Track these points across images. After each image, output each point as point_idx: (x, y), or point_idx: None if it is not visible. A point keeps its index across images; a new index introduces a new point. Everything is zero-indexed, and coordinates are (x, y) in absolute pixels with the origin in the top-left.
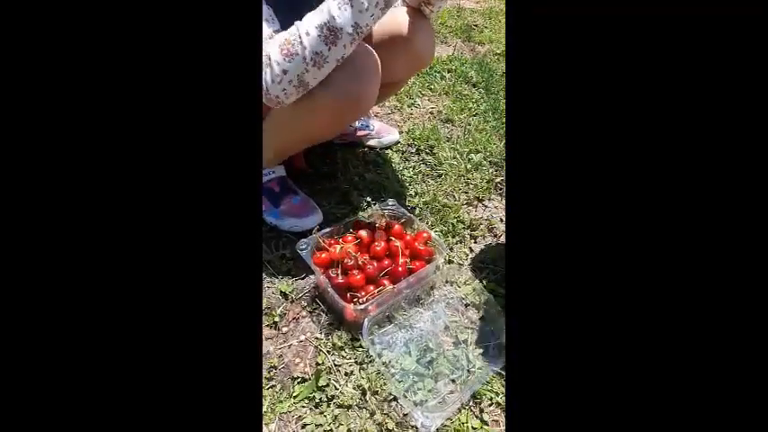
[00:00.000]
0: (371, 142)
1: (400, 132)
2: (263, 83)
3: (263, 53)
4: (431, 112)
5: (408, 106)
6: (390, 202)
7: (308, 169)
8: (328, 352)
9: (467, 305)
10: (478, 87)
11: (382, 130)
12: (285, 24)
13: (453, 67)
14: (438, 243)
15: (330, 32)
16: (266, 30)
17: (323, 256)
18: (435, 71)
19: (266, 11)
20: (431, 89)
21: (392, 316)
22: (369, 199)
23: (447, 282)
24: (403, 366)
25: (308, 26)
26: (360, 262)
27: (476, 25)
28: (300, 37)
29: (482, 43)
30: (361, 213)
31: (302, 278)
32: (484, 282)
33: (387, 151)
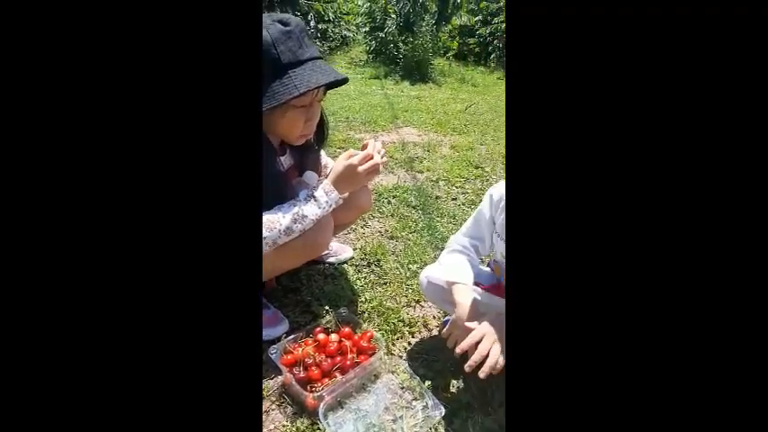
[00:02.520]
0: (330, 260)
1: (354, 249)
2: None
3: None
4: (379, 231)
5: (361, 227)
6: (342, 310)
7: (277, 287)
8: None
9: (402, 388)
10: (417, 209)
11: (339, 249)
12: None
13: (397, 194)
14: (379, 340)
15: (298, 218)
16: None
17: (288, 357)
18: (383, 198)
19: None
20: (380, 212)
21: (343, 401)
22: (327, 307)
23: (389, 371)
24: None
25: (285, 213)
26: (317, 360)
27: (417, 157)
28: (279, 221)
29: (421, 171)
30: (320, 320)
31: (272, 378)
32: (419, 369)
33: (343, 266)
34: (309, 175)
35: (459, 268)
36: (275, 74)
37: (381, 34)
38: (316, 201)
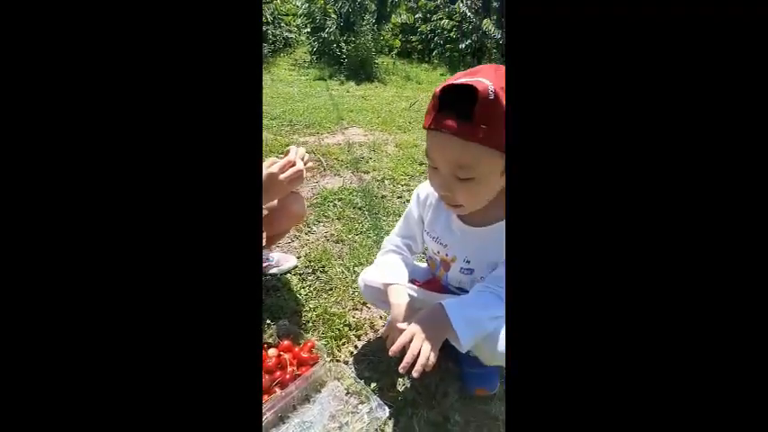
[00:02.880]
0: (272, 271)
1: (298, 257)
2: None
3: None
4: (325, 236)
5: (306, 234)
6: (283, 322)
7: None
8: None
9: (348, 393)
10: (363, 210)
11: (282, 259)
12: None
13: (343, 196)
14: (321, 348)
15: None
16: None
17: None
18: (329, 201)
19: None
20: (325, 216)
21: (284, 416)
22: (268, 321)
23: (334, 378)
24: None
25: None
26: None
27: (362, 157)
28: None
29: (367, 172)
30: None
31: None
32: (365, 371)
33: (287, 275)
34: None
35: (394, 268)
36: None
37: (323, 35)
38: None
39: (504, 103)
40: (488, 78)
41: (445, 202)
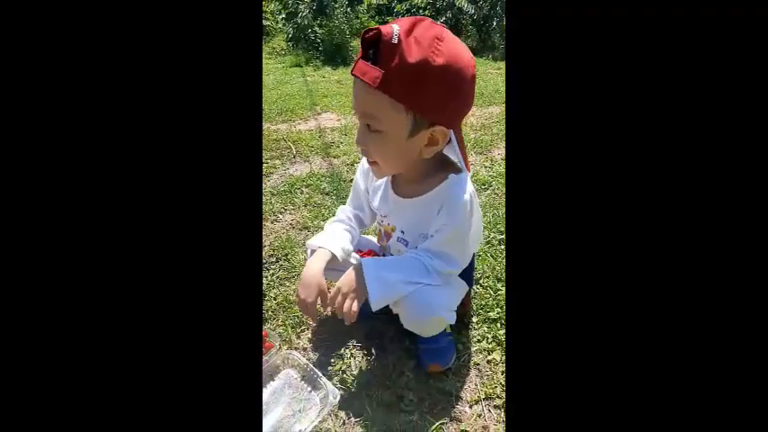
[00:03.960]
0: None
1: (263, 247)
2: None
3: None
4: (290, 224)
5: (271, 222)
6: None
7: None
8: None
9: (303, 380)
10: (331, 195)
11: None
12: None
13: (311, 182)
14: (273, 336)
15: None
16: None
17: None
18: (296, 188)
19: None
20: (292, 204)
21: None
22: None
23: (290, 366)
24: None
25: None
26: None
27: (333, 142)
28: None
29: (337, 156)
30: None
31: None
32: (322, 357)
33: None
34: None
35: (334, 235)
36: None
37: (297, 20)
38: None
39: (416, 55)
40: (400, 24)
41: (364, 156)
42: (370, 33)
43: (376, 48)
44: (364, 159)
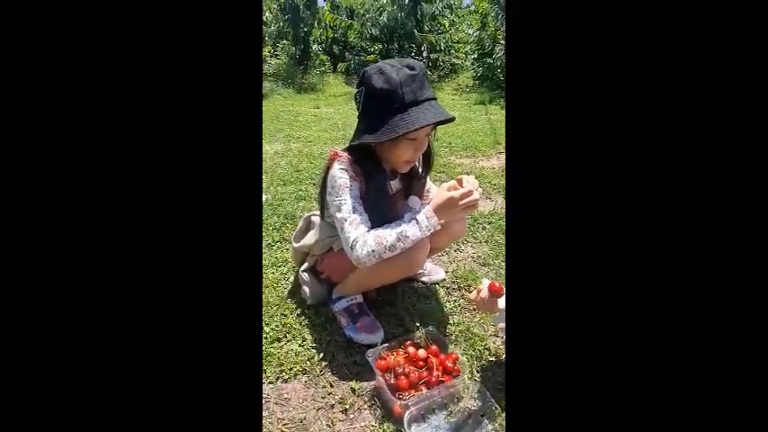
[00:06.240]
0: (423, 279)
1: (446, 272)
2: (354, 253)
3: (353, 234)
4: (472, 257)
5: (455, 251)
6: (431, 328)
7: (378, 298)
8: None
9: (482, 415)
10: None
11: (432, 270)
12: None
13: (493, 221)
14: (464, 363)
15: (402, 237)
16: (358, 218)
17: (382, 363)
18: (479, 223)
19: (358, 206)
20: (474, 237)
21: (426, 416)
22: (417, 324)
23: (470, 397)
24: None
25: (391, 231)
26: (406, 370)
27: None
28: (386, 237)
29: None
30: (411, 334)
31: (366, 379)
32: (500, 400)
33: (435, 286)
34: (413, 200)
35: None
36: (398, 110)
37: (489, 60)
38: (418, 223)
39: None
40: None
41: None
42: None
43: None
44: None
